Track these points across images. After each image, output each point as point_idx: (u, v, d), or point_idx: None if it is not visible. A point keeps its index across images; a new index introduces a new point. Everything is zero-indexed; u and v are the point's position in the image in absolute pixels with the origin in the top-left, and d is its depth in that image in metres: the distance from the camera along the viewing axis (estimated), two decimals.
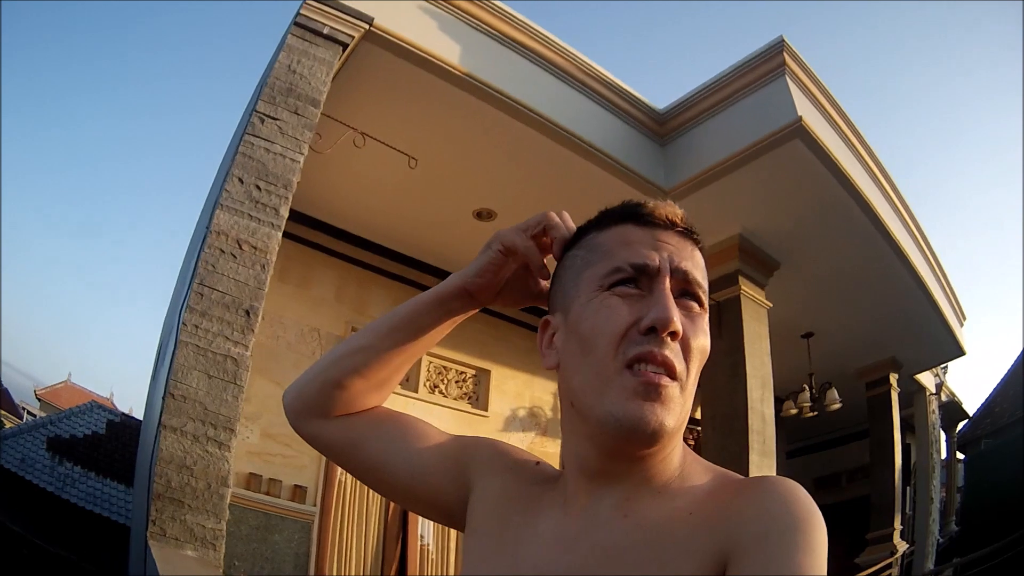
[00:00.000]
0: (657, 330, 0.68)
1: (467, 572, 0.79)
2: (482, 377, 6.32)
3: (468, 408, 6.12)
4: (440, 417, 5.78)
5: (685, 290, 0.73)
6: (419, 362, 5.64)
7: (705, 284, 0.75)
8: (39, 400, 19.58)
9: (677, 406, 0.69)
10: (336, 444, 0.90)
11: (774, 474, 5.28)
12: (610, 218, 0.78)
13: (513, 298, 0.89)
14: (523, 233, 0.83)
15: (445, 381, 6.02)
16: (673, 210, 0.76)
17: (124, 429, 10.79)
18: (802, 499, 0.64)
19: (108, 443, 10.47)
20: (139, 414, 11.42)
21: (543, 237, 0.83)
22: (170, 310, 5.25)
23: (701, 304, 0.74)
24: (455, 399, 6.04)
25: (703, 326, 0.73)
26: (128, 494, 9.32)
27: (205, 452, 3.00)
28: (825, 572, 0.62)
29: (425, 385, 5.84)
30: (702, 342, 0.72)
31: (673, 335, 0.69)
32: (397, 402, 5.39)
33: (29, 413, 16.66)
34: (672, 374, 0.69)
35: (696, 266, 0.74)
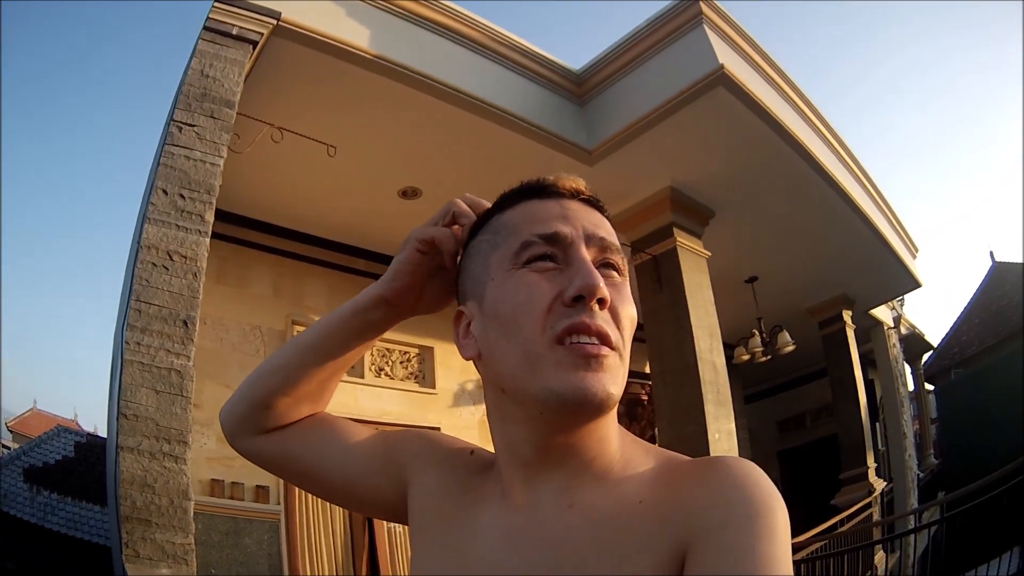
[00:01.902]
0: (585, 298, 0.66)
1: (415, 573, 0.76)
2: (426, 355, 6.26)
3: (416, 388, 6.07)
4: (389, 399, 5.75)
5: (604, 260, 0.71)
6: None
7: (620, 257, 0.72)
8: (11, 432, 19.38)
9: (620, 375, 0.68)
10: (271, 458, 0.90)
11: (731, 424, 5.33)
12: (512, 197, 0.75)
13: (436, 300, 0.86)
14: (435, 226, 0.80)
15: (390, 363, 5.96)
16: (576, 181, 0.74)
17: (91, 449, 10.71)
18: (759, 482, 0.62)
19: (79, 466, 10.37)
20: (103, 431, 11.35)
21: (454, 226, 0.80)
22: (116, 328, 5.21)
23: (620, 272, 0.71)
24: (402, 380, 5.99)
25: (627, 294, 0.71)
26: (104, 514, 9.26)
27: (163, 468, 2.97)
28: (789, 557, 0.60)
29: (371, 369, 5.78)
30: (629, 310, 0.70)
31: (601, 302, 0.67)
32: (345, 389, 5.38)
33: (3, 446, 16.45)
34: (608, 343, 0.66)
35: (610, 233, 0.72)
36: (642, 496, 0.65)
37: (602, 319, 0.66)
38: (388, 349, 6.01)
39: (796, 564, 5.31)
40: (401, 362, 6.04)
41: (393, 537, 5.72)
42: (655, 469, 0.69)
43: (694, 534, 0.60)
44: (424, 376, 6.22)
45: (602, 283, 0.66)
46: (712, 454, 5.09)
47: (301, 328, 5.67)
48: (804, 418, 11.69)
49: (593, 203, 0.74)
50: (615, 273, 0.71)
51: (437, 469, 0.81)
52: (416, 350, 6.20)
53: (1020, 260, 17.22)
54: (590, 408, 0.65)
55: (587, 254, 0.69)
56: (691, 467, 0.67)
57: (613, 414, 0.71)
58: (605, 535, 0.64)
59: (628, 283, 0.72)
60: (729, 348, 6.11)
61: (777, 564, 0.57)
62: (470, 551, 0.71)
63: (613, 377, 0.66)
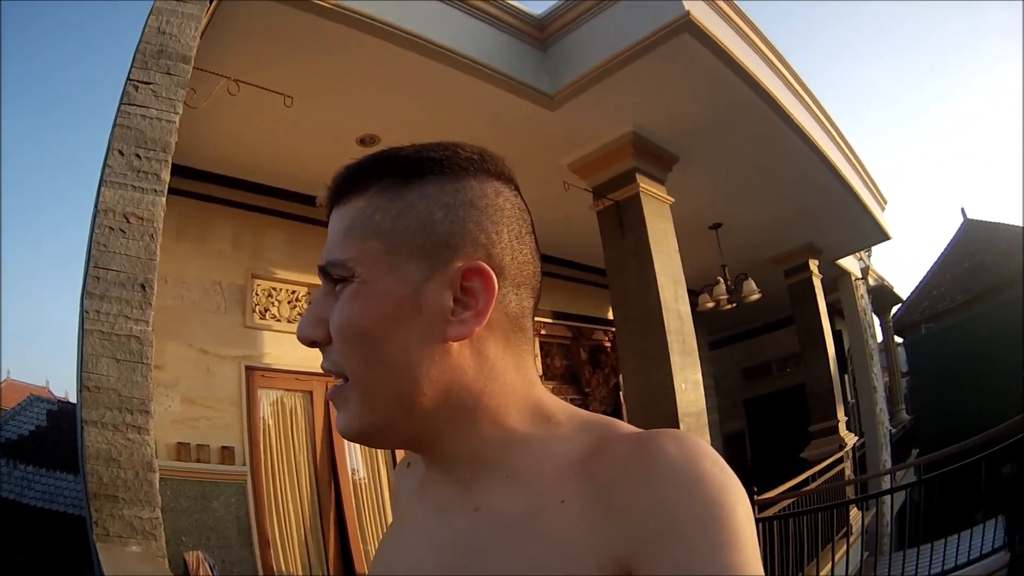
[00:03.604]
0: None
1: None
2: (316, 294, 6.02)
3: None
4: (277, 343, 5.57)
5: (325, 275, 0.66)
6: (245, 287, 5.50)
7: (353, 253, 0.63)
8: None
9: (354, 404, 0.63)
10: None
11: (697, 374, 5.33)
12: None
13: None
14: None
15: (276, 303, 5.73)
16: (325, 191, 0.68)
17: (63, 417, 10.63)
18: (707, 474, 0.53)
19: (51, 435, 10.30)
20: (74, 398, 11.27)
21: None
22: (80, 297, 5.15)
23: (339, 277, 0.64)
24: (289, 321, 5.73)
25: (352, 301, 0.63)
26: (77, 483, 9.20)
27: (127, 440, 2.91)
28: (756, 555, 0.52)
29: (255, 311, 5.57)
30: (337, 320, 0.63)
31: (313, 344, 0.65)
32: (229, 332, 5.27)
33: None
34: (342, 375, 0.64)
35: (342, 241, 0.65)
36: (564, 494, 0.58)
37: (327, 359, 0.65)
38: (275, 288, 5.75)
39: (768, 521, 5.33)
40: (288, 302, 5.81)
41: (359, 492, 5.72)
42: (581, 457, 0.60)
43: (635, 548, 0.52)
44: None
45: (303, 329, 0.65)
46: (679, 404, 5.16)
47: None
48: (770, 366, 11.84)
49: (335, 199, 0.67)
50: (335, 284, 0.65)
51: (397, 498, 0.80)
52: (305, 289, 5.90)
53: (991, 218, 17.46)
54: (358, 443, 0.63)
55: (322, 290, 0.66)
56: (624, 450, 0.58)
57: (493, 404, 0.64)
58: (518, 542, 0.58)
59: (353, 284, 0.63)
60: (693, 295, 6.11)
61: (743, 570, 0.50)
62: (397, 552, 0.69)
63: (346, 411, 0.64)
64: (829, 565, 5.59)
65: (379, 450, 5.83)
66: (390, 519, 0.79)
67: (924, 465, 6.10)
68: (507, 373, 0.65)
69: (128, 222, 3.18)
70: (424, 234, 0.62)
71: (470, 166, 0.66)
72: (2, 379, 19.60)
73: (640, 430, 0.60)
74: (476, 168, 0.66)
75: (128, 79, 3.40)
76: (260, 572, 4.94)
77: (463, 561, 0.60)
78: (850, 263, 10.27)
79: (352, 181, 0.66)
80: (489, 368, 0.64)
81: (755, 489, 5.25)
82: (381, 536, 5.55)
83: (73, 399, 12.12)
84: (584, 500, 0.56)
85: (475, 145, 0.67)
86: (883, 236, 9.27)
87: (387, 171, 0.65)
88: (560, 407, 0.66)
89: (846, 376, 10.71)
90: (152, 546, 2.85)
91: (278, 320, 5.62)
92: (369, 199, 0.65)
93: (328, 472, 5.58)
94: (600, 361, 8.32)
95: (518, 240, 0.66)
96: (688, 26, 4.65)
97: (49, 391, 19.16)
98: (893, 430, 11.98)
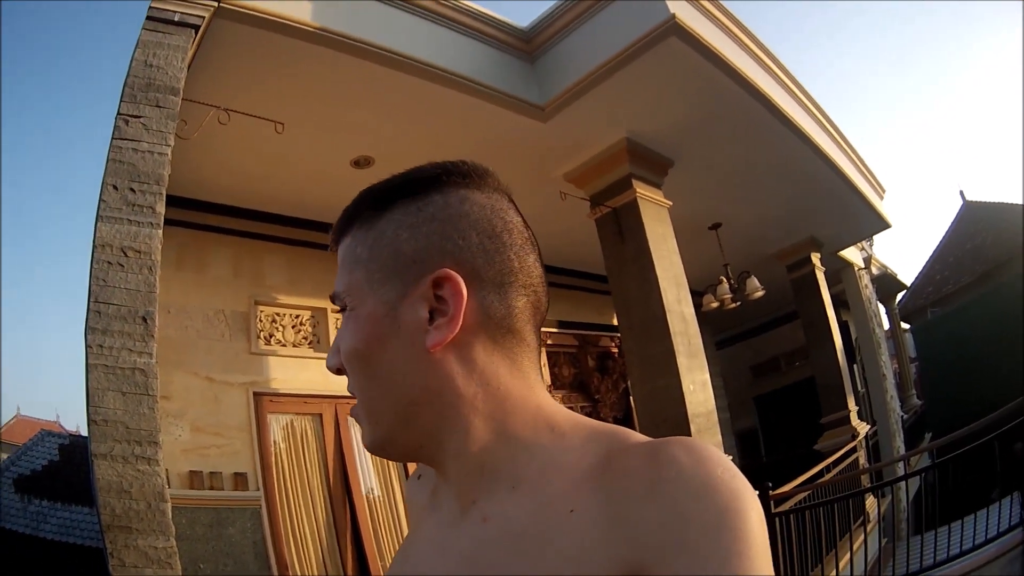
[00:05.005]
0: None
1: None
2: (319, 316, 6.02)
3: (311, 353, 5.82)
4: (283, 367, 5.58)
5: (337, 306, 0.71)
6: (248, 314, 5.50)
7: (344, 285, 0.70)
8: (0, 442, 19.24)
9: (364, 420, 0.68)
10: None
11: (705, 375, 5.33)
12: None
13: None
14: None
15: (281, 328, 5.74)
16: (330, 237, 0.74)
17: (75, 450, 10.63)
18: (719, 481, 0.53)
19: (64, 469, 10.30)
20: (85, 431, 11.29)
21: None
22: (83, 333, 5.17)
23: (347, 304, 0.69)
24: (294, 345, 5.77)
25: (347, 328, 0.68)
26: (92, 515, 9.21)
27: (138, 472, 2.92)
28: (768, 560, 0.52)
29: (259, 337, 5.58)
30: (346, 346, 0.68)
31: (338, 371, 0.70)
32: (234, 359, 5.28)
33: None
34: (354, 394, 0.69)
35: (339, 276, 0.71)
36: (574, 504, 0.57)
37: (348, 382, 0.69)
38: (279, 314, 5.77)
39: (785, 515, 5.31)
40: (293, 326, 5.83)
41: (375, 510, 5.72)
42: (590, 467, 0.59)
43: (646, 557, 0.52)
44: (319, 340, 5.96)
45: (330, 360, 0.71)
46: (688, 406, 5.15)
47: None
48: (778, 362, 11.78)
49: (337, 240, 0.73)
50: (342, 312, 0.70)
51: (410, 511, 0.82)
52: (309, 312, 5.94)
53: (990, 199, 17.44)
54: (377, 456, 0.68)
55: (340, 324, 0.71)
56: (634, 461, 0.57)
57: (489, 409, 0.65)
58: (527, 552, 0.57)
59: (358, 309, 0.68)
60: (697, 296, 6.09)
61: (754, 574, 0.50)
62: (408, 564, 0.70)
63: (364, 427, 0.69)
64: (848, 555, 5.57)
65: (392, 467, 5.85)
66: (406, 534, 0.80)
67: (937, 449, 6.08)
68: (500, 376, 0.65)
69: (126, 256, 3.20)
70: (394, 256, 0.66)
71: (433, 182, 0.68)
72: (12, 415, 19.64)
73: (649, 439, 0.60)
74: (439, 183, 0.68)
75: (118, 113, 3.42)
76: None
77: (472, 572, 0.60)
78: (852, 254, 10.25)
79: (345, 222, 0.71)
80: (479, 373, 0.65)
81: (770, 484, 5.23)
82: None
83: (84, 432, 12.21)
84: (594, 510, 0.56)
85: (453, 161, 0.70)
86: (883, 224, 9.25)
87: (364, 206, 0.70)
88: (564, 415, 0.66)
89: (855, 366, 10.68)
90: (168, 574, 2.86)
91: (283, 345, 5.62)
92: (353, 234, 0.70)
93: (342, 492, 5.58)
94: (608, 367, 8.30)
95: (490, 240, 0.66)
96: (674, 29, 4.65)
97: (60, 425, 19.21)
98: (905, 416, 11.94)
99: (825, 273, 9.19)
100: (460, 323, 0.63)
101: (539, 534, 0.57)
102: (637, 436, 0.62)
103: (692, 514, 0.52)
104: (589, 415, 0.73)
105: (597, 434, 0.63)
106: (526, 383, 0.67)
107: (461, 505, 0.65)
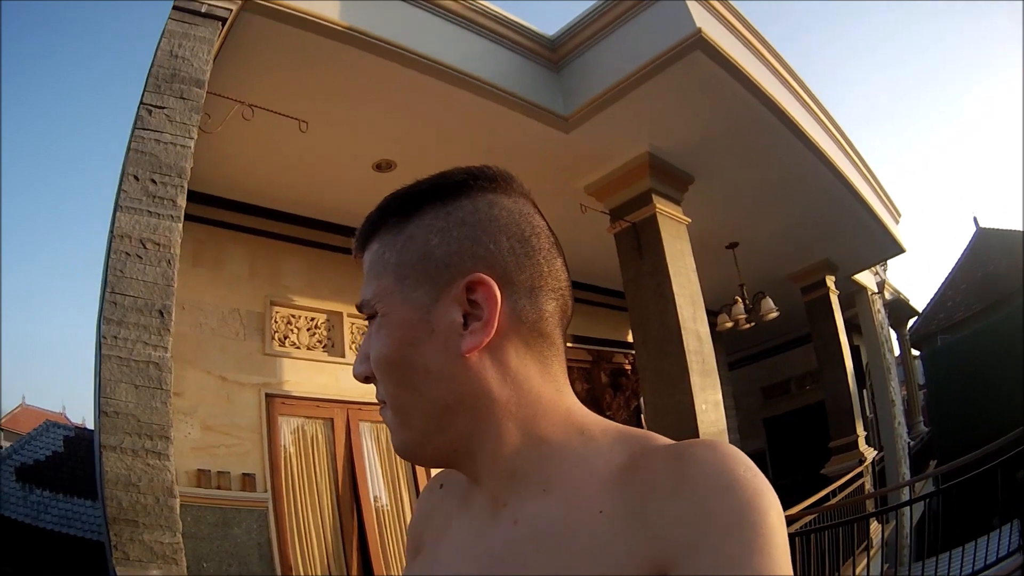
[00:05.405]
0: None
1: None
2: (335, 320, 5.99)
3: (325, 357, 5.80)
4: (296, 370, 5.56)
5: (364, 314, 0.70)
6: (264, 314, 5.48)
7: (373, 291, 0.69)
8: (2, 430, 19.26)
9: (394, 425, 0.68)
10: None
11: (718, 394, 5.30)
12: None
13: None
14: None
15: (296, 330, 5.71)
16: (354, 244, 0.73)
17: (80, 443, 10.66)
18: (741, 480, 0.54)
19: (68, 461, 10.33)
20: (91, 424, 11.29)
21: None
22: (96, 323, 5.14)
23: (376, 312, 0.69)
24: (308, 348, 5.74)
25: (381, 335, 0.68)
26: (95, 508, 9.21)
27: (147, 466, 2.90)
28: (787, 559, 0.53)
29: (274, 338, 5.56)
30: (377, 352, 0.67)
31: (366, 380, 0.70)
32: (248, 359, 5.26)
33: None
34: (384, 400, 0.69)
35: (366, 283, 0.70)
36: (602, 505, 0.58)
37: (377, 389, 0.69)
38: (294, 316, 5.74)
39: (791, 537, 5.29)
40: (308, 328, 5.77)
41: (382, 518, 5.69)
42: (618, 469, 0.60)
43: (670, 553, 0.53)
44: (333, 344, 5.93)
45: (356, 368, 0.70)
46: (700, 425, 5.11)
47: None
48: (789, 384, 11.76)
49: (361, 246, 0.72)
50: (370, 320, 0.70)
51: (426, 517, 0.80)
52: (324, 316, 5.90)
53: (1003, 226, 17.38)
54: (407, 460, 0.67)
55: (368, 331, 0.70)
56: (660, 462, 0.59)
57: (522, 413, 0.66)
58: (556, 553, 0.58)
59: (387, 316, 0.67)
60: (712, 315, 6.07)
61: (774, 572, 0.51)
62: (439, 562, 0.71)
63: (394, 433, 0.69)
64: None
65: (401, 475, 5.81)
66: (406, 542, 0.81)
67: (941, 475, 6.07)
68: (532, 380, 0.66)
69: (145, 248, 3.19)
70: (425, 260, 0.66)
71: (461, 187, 0.68)
72: (17, 404, 19.68)
73: (675, 441, 0.61)
74: (467, 187, 0.68)
75: (141, 103, 3.41)
76: None
77: (502, 572, 0.61)
78: (866, 278, 10.21)
79: (370, 228, 0.71)
80: (512, 376, 0.65)
81: None
82: (403, 562, 5.48)
83: (90, 425, 12.19)
84: (622, 511, 0.57)
85: (479, 165, 0.70)
86: (898, 249, 9.21)
87: (391, 211, 0.69)
88: (593, 419, 0.67)
89: (864, 391, 10.63)
90: (173, 570, 2.85)
91: (297, 347, 5.60)
92: (380, 240, 0.69)
93: (350, 498, 5.54)
94: (621, 384, 8.26)
95: (520, 244, 0.67)
96: (700, 43, 4.64)
97: (66, 417, 19.24)
98: (912, 442, 11.88)
99: (839, 296, 9.16)
100: (495, 327, 0.64)
101: (568, 534, 0.58)
102: (663, 439, 0.63)
103: (715, 510, 0.53)
104: None
105: (624, 437, 0.64)
106: (556, 386, 0.67)
107: (492, 508, 0.66)
